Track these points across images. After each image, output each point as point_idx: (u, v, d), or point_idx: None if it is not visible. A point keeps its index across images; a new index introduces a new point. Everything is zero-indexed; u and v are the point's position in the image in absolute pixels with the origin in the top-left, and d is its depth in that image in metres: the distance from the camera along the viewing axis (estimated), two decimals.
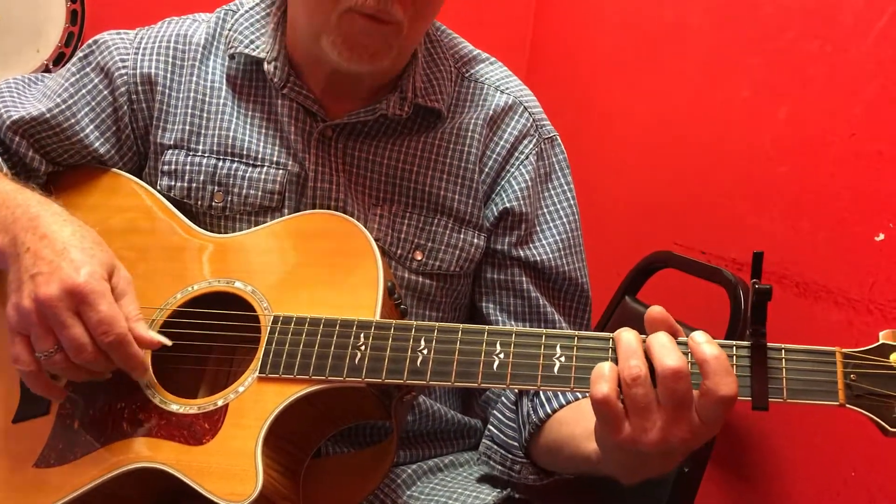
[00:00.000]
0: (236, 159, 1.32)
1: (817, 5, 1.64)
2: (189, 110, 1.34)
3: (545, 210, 1.36)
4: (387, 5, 1.16)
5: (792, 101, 1.69)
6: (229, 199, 1.31)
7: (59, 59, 2.16)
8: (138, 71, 1.35)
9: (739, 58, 1.85)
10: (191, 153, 1.33)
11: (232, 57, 1.34)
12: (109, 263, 1.11)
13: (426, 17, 1.25)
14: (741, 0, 1.86)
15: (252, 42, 1.32)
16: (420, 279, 1.32)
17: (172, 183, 1.33)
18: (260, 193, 1.31)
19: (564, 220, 1.37)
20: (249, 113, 1.34)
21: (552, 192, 1.38)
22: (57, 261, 1.07)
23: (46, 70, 2.13)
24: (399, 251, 1.31)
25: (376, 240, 1.16)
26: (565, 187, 1.39)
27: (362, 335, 1.07)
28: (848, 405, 0.91)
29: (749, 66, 1.82)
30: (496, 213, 1.33)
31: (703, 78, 1.97)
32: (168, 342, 1.12)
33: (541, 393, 1.24)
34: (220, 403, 1.09)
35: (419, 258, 1.31)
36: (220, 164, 1.32)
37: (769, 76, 1.75)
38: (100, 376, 1.11)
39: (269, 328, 1.11)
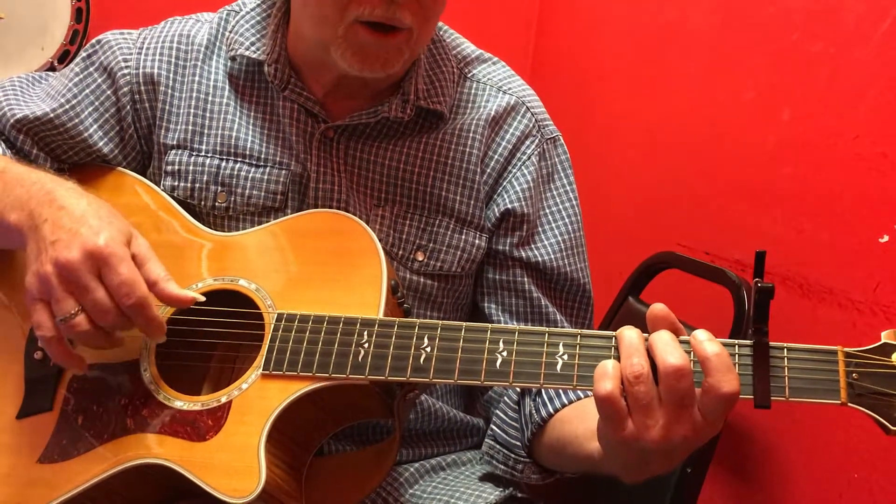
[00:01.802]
0: (239, 159, 1.33)
1: (820, 7, 1.64)
2: (192, 110, 1.34)
3: (547, 210, 1.36)
4: (395, 12, 1.16)
5: (795, 102, 1.69)
6: (232, 199, 1.32)
7: (63, 57, 2.16)
8: (141, 71, 1.35)
9: (743, 59, 1.85)
10: (194, 153, 1.34)
11: (233, 59, 1.34)
12: (127, 231, 1.12)
13: (434, 17, 1.25)
14: (744, 2, 1.86)
15: (253, 44, 1.33)
16: (422, 280, 1.32)
17: (176, 183, 1.34)
18: (263, 194, 1.31)
19: (566, 220, 1.37)
20: (251, 113, 1.34)
21: (554, 192, 1.38)
22: (76, 227, 1.07)
23: (51, 68, 2.13)
24: (401, 252, 1.31)
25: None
26: (567, 188, 1.39)
27: (366, 333, 1.07)
28: (850, 404, 0.91)
29: (752, 67, 1.82)
30: (498, 214, 1.34)
31: (707, 79, 1.97)
32: (202, 298, 1.13)
33: (543, 392, 1.24)
34: (223, 400, 1.09)
35: (421, 259, 1.32)
36: (223, 164, 1.33)
37: (773, 78, 1.76)
38: (117, 344, 1.11)
39: (272, 325, 1.11)
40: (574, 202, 1.38)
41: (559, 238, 1.35)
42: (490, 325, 1.04)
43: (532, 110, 1.38)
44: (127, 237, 1.11)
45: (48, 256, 1.06)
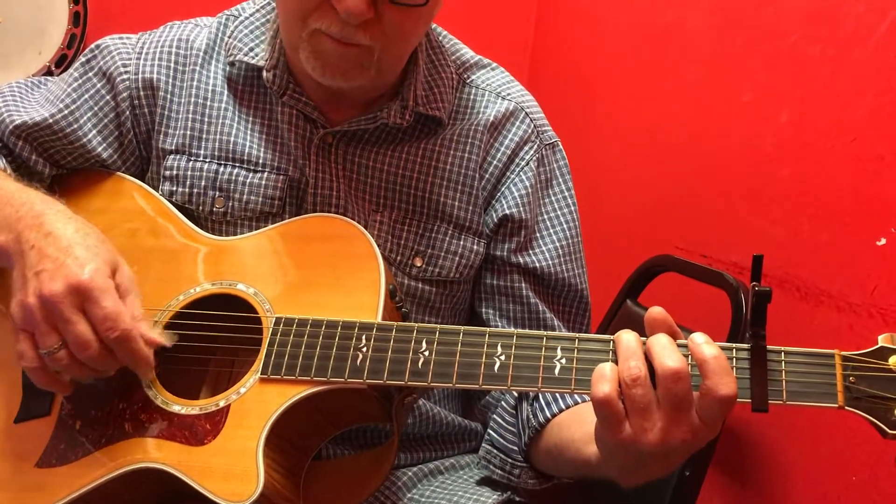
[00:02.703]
0: (237, 165, 1.33)
1: (819, 9, 1.64)
2: (190, 115, 1.34)
3: (545, 216, 1.37)
4: (351, 32, 1.16)
5: (793, 104, 1.69)
6: (230, 204, 1.32)
7: (61, 61, 2.16)
8: (140, 76, 1.35)
9: (741, 61, 1.85)
10: (192, 158, 1.34)
11: (232, 64, 1.35)
12: (113, 261, 1.12)
13: (401, 42, 1.23)
14: (743, 4, 1.86)
15: (252, 50, 1.33)
16: (420, 285, 1.33)
17: (174, 188, 1.34)
18: (260, 199, 1.31)
19: (564, 226, 1.37)
20: (250, 118, 1.34)
21: (552, 198, 1.38)
22: (61, 258, 1.07)
23: (49, 72, 2.13)
24: (399, 257, 1.31)
25: None
26: (566, 193, 1.39)
27: (364, 337, 1.07)
28: (847, 407, 0.91)
29: (751, 69, 1.82)
30: (496, 220, 1.34)
31: (705, 81, 1.97)
32: (168, 343, 1.12)
33: (540, 397, 1.24)
34: (221, 404, 1.09)
35: (419, 264, 1.32)
36: (222, 169, 1.33)
37: (771, 80, 1.76)
38: (103, 374, 1.11)
39: (271, 329, 1.11)
40: (572, 208, 1.38)
41: (557, 244, 1.35)
42: (488, 329, 1.04)
43: (531, 116, 1.38)
44: (113, 267, 1.11)
45: (33, 288, 1.06)
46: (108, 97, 1.36)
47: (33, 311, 1.05)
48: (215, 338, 1.17)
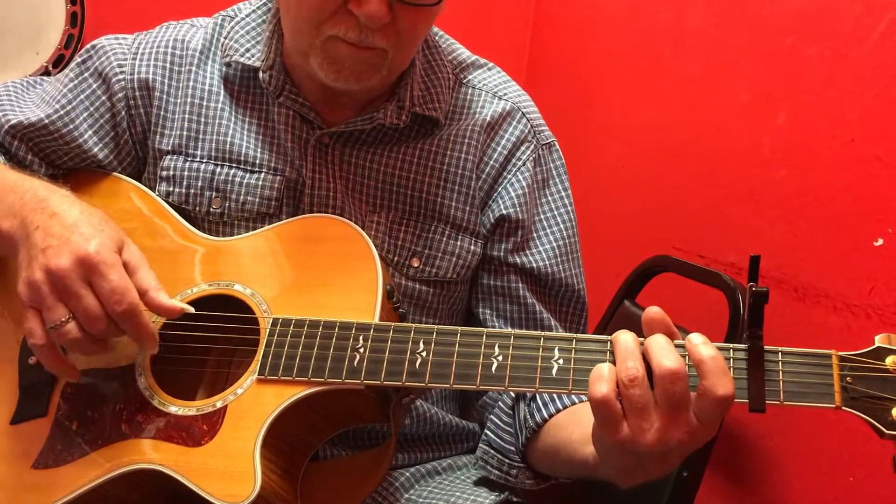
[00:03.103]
0: (234, 165, 1.32)
1: (816, 10, 1.64)
2: (187, 115, 1.34)
3: (542, 217, 1.36)
4: (368, 36, 1.17)
5: (791, 105, 1.69)
6: (227, 205, 1.32)
7: (58, 62, 2.16)
8: (136, 77, 1.35)
9: (738, 62, 1.85)
10: (189, 159, 1.33)
11: (228, 65, 1.34)
12: (119, 238, 1.12)
13: (412, 42, 1.25)
14: (740, 5, 1.86)
15: (248, 50, 1.33)
16: (417, 286, 1.32)
17: (171, 189, 1.33)
18: (257, 200, 1.31)
19: (561, 226, 1.37)
20: (247, 119, 1.34)
21: (549, 198, 1.38)
22: (66, 234, 1.07)
23: (46, 72, 2.13)
24: (396, 258, 1.31)
25: None
26: (563, 193, 1.39)
27: (361, 337, 1.07)
28: (844, 407, 0.91)
29: (748, 70, 1.82)
30: (493, 220, 1.34)
31: (703, 82, 1.97)
32: (191, 309, 1.13)
33: (537, 397, 1.24)
34: (218, 405, 1.09)
35: (416, 265, 1.32)
36: (219, 169, 1.32)
37: (768, 81, 1.76)
38: (109, 351, 1.11)
39: (268, 330, 1.11)
40: (569, 208, 1.38)
41: (554, 244, 1.35)
42: (486, 330, 1.04)
43: (527, 116, 1.38)
44: (119, 244, 1.10)
45: (39, 263, 1.06)
46: (103, 98, 1.35)
47: (40, 285, 1.05)
48: (212, 338, 1.17)
